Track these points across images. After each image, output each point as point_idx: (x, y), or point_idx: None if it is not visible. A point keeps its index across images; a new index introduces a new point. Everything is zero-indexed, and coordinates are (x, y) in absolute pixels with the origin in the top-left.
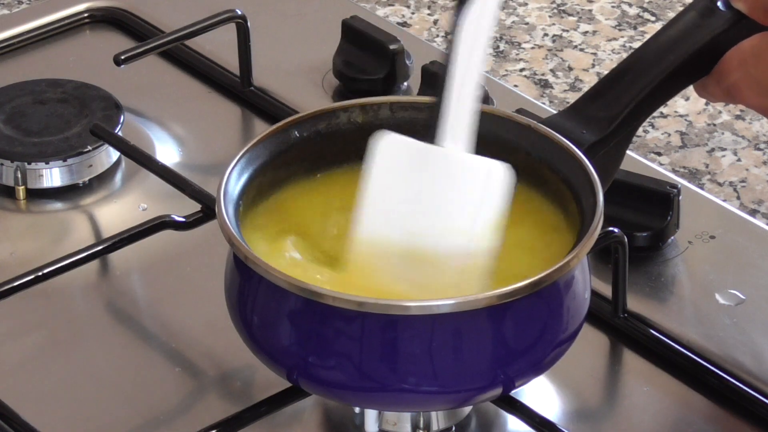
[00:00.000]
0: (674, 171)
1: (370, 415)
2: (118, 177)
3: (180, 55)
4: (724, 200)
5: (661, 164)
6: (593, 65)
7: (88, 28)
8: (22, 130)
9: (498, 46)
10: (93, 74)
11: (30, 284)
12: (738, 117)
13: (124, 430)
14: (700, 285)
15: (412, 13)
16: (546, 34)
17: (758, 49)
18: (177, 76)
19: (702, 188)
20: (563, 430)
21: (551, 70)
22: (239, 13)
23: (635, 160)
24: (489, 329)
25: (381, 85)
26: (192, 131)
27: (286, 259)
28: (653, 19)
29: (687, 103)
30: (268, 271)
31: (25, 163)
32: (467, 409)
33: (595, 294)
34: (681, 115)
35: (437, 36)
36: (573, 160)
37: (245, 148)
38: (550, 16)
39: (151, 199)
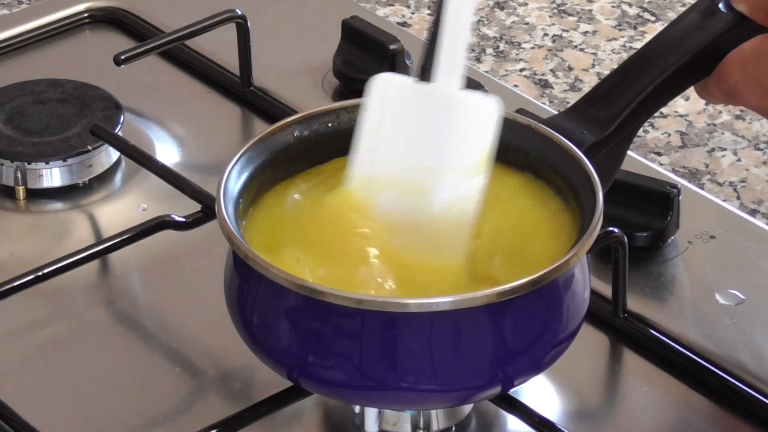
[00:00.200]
0: (674, 171)
1: (370, 415)
2: (118, 177)
3: (180, 55)
4: (724, 200)
5: (661, 164)
6: (593, 65)
7: (88, 28)
8: (22, 130)
9: (498, 46)
10: (93, 74)
11: (30, 284)
12: (738, 117)
13: (124, 430)
14: (700, 285)
15: (412, 13)
16: (546, 34)
17: (759, 50)
18: (177, 76)
19: (702, 188)
20: (563, 429)
21: (551, 70)
22: (239, 13)
23: (635, 160)
24: (488, 327)
25: None
26: (192, 131)
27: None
28: (653, 19)
29: (687, 103)
30: (268, 269)
31: (25, 163)
32: (467, 409)
33: (595, 294)
34: (681, 115)
35: None
36: (573, 160)
37: (245, 148)
38: (550, 16)
39: (151, 199)
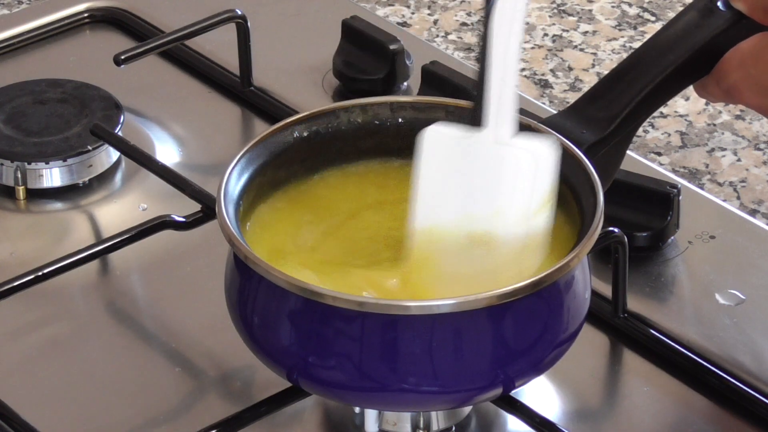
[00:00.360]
0: (674, 171)
1: (370, 415)
2: (118, 177)
3: (180, 55)
4: (724, 200)
5: (661, 164)
6: (593, 65)
7: (88, 28)
8: (22, 130)
9: None
10: (93, 74)
11: (30, 284)
12: (738, 117)
13: (124, 430)
14: (700, 285)
15: (412, 13)
16: (546, 34)
17: (758, 49)
18: (177, 76)
19: (702, 188)
20: (563, 430)
21: (551, 70)
22: (239, 13)
23: (635, 160)
24: (489, 329)
25: (381, 85)
26: (192, 131)
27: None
28: (653, 19)
29: (687, 103)
30: (269, 271)
31: (25, 163)
32: (467, 409)
33: (595, 294)
34: (681, 115)
35: (437, 36)
36: (573, 160)
37: (245, 148)
38: (550, 16)
39: (151, 199)
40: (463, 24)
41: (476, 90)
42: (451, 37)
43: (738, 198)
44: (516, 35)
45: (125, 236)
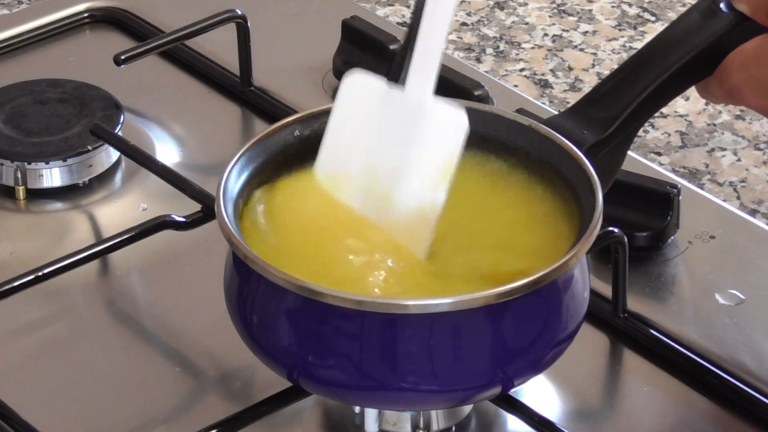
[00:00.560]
0: (674, 171)
1: (370, 415)
2: (118, 177)
3: (180, 55)
4: (724, 200)
5: (661, 164)
6: (593, 65)
7: (88, 28)
8: (22, 130)
9: (498, 46)
10: (93, 74)
11: (30, 284)
12: (738, 117)
13: (124, 430)
14: (700, 285)
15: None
16: (546, 34)
17: (760, 51)
18: (177, 76)
19: (702, 188)
20: (563, 429)
21: (551, 70)
22: (239, 13)
23: (635, 160)
24: (488, 328)
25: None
26: (192, 131)
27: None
28: (653, 19)
29: (687, 103)
30: (268, 270)
31: (25, 163)
32: (467, 409)
33: (595, 294)
34: (681, 115)
35: None
36: (573, 160)
37: (245, 148)
38: (550, 16)
39: (151, 199)
40: (463, 24)
41: (403, 46)
42: (451, 37)
43: (738, 198)
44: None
45: (125, 236)
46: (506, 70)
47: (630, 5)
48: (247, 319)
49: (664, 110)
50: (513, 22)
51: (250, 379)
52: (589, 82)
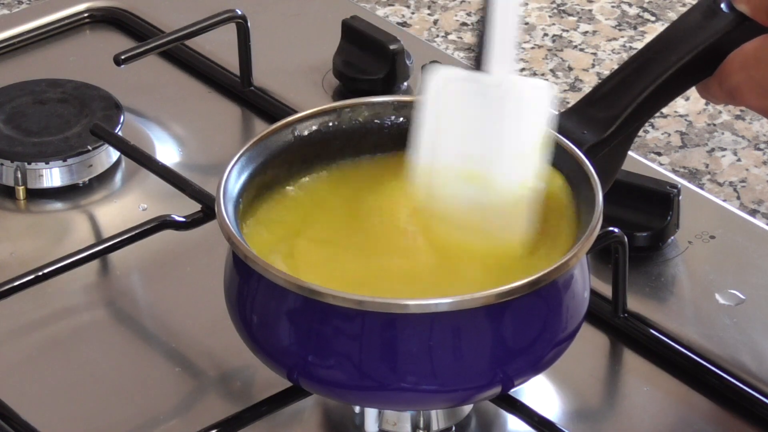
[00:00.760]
0: (674, 171)
1: (370, 415)
2: (118, 177)
3: (180, 55)
4: (724, 200)
5: (661, 164)
6: (593, 65)
7: (88, 28)
8: (22, 130)
9: None
10: (93, 74)
11: (30, 284)
12: (738, 117)
13: (124, 430)
14: (700, 285)
15: (412, 13)
16: (546, 34)
17: (760, 51)
18: (177, 76)
19: (702, 188)
20: (563, 429)
21: (551, 70)
22: (239, 13)
23: (635, 160)
24: (488, 328)
25: (381, 85)
26: (192, 131)
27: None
28: (653, 19)
29: (687, 103)
30: (268, 270)
31: (25, 163)
32: (467, 409)
33: (595, 294)
34: (681, 115)
35: (437, 36)
36: (573, 160)
37: (245, 148)
38: (550, 16)
39: (151, 199)
40: (463, 24)
41: (479, 36)
42: (451, 37)
43: (738, 198)
44: None
45: (125, 236)
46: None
47: (630, 5)
48: (247, 319)
49: (664, 110)
50: None
51: (250, 379)
52: (589, 82)
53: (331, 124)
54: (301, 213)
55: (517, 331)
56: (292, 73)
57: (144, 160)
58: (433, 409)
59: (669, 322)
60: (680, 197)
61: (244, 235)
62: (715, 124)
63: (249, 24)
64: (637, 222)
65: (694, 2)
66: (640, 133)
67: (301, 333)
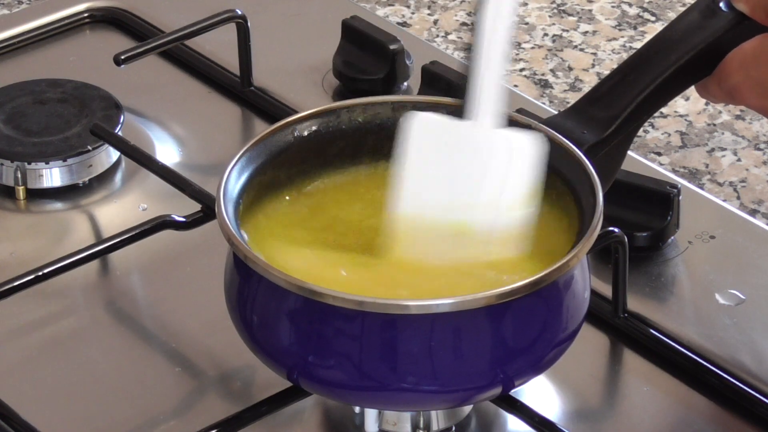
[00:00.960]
0: (674, 171)
1: (370, 415)
2: (118, 177)
3: (180, 55)
4: (724, 200)
5: (661, 164)
6: (593, 65)
7: (88, 28)
8: (22, 130)
9: None
10: (93, 74)
11: (30, 284)
12: (738, 117)
13: (124, 430)
14: (700, 285)
15: (412, 13)
16: (546, 34)
17: (759, 50)
18: (177, 76)
19: (702, 188)
20: (563, 429)
21: (551, 70)
22: (239, 13)
23: (635, 160)
24: (488, 328)
25: (381, 85)
26: (192, 131)
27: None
28: (653, 19)
29: (687, 103)
30: (268, 270)
31: (25, 163)
32: (467, 409)
33: (595, 294)
34: (681, 115)
35: (437, 36)
36: (573, 160)
37: (245, 148)
38: (550, 16)
39: (151, 199)
40: (463, 24)
41: (466, 82)
42: (451, 37)
43: (738, 198)
44: (502, 31)
45: (125, 236)
46: (506, 70)
47: (630, 5)
48: (248, 320)
49: (664, 110)
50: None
51: (250, 379)
52: (589, 82)
53: (330, 124)
54: (301, 213)
55: (517, 331)
56: (292, 73)
57: (144, 160)
58: (433, 409)
59: (669, 322)
60: (680, 197)
61: (244, 235)
62: (715, 124)
63: (249, 24)
64: (637, 222)
65: (693, 2)
66: (640, 133)
67: (301, 333)
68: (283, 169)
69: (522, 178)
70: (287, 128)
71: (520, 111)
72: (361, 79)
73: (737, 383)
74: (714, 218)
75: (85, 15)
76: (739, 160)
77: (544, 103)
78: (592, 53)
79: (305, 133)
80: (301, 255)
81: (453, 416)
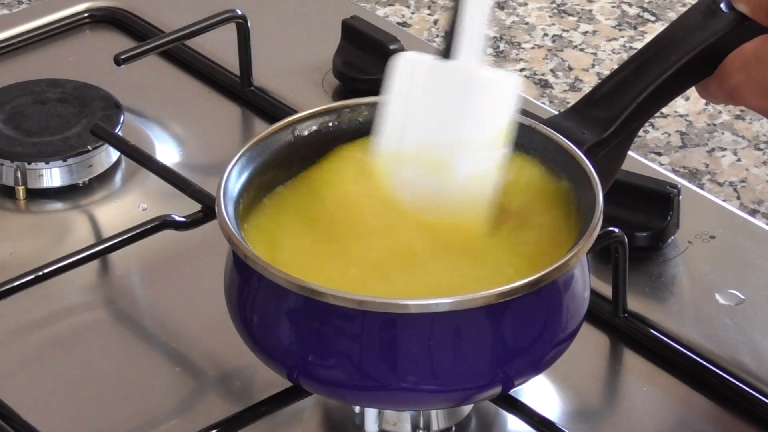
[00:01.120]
0: (674, 171)
1: (370, 415)
2: (118, 177)
3: (180, 55)
4: (724, 200)
5: (661, 164)
6: (593, 65)
7: (88, 28)
8: (22, 130)
9: (498, 46)
10: (93, 74)
11: (30, 284)
12: (738, 117)
13: (124, 430)
14: (700, 285)
15: (412, 13)
16: (546, 34)
17: (760, 51)
18: (177, 76)
19: (702, 188)
20: (563, 429)
21: (551, 70)
22: (239, 13)
23: (635, 160)
24: (488, 328)
25: (381, 85)
26: (192, 131)
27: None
28: (653, 19)
29: (687, 103)
30: (268, 269)
31: (25, 163)
32: (467, 409)
33: (595, 294)
34: (681, 115)
35: (437, 36)
36: (573, 160)
37: (245, 148)
38: (550, 16)
39: (151, 199)
40: None
41: (450, 23)
42: None
43: (738, 198)
44: None
45: (125, 236)
46: (506, 70)
47: (630, 5)
48: (248, 319)
49: (664, 110)
50: (513, 22)
51: (250, 379)
52: (589, 82)
53: (331, 124)
54: (302, 213)
55: (517, 331)
56: (292, 73)
57: (144, 160)
58: (433, 409)
59: (669, 322)
60: (680, 197)
61: (244, 235)
62: (715, 124)
63: (249, 24)
64: (637, 222)
65: (694, 2)
66: (640, 133)
67: (301, 333)
68: (283, 169)
69: (503, 116)
70: (287, 128)
71: (520, 111)
72: (361, 79)
73: (737, 383)
74: (714, 218)
75: (85, 15)
76: (739, 160)
77: (544, 103)
78: (592, 53)
79: (305, 133)
80: (302, 254)
81: (453, 416)
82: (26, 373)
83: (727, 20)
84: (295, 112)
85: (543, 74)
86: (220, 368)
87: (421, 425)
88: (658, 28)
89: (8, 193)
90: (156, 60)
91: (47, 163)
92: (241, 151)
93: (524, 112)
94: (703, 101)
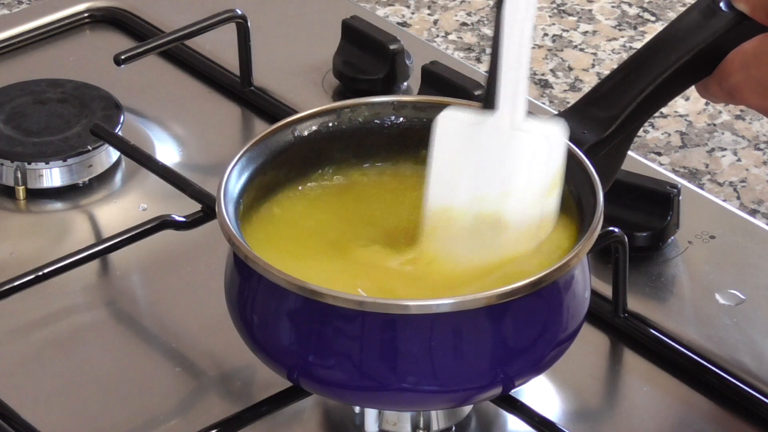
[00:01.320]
0: (674, 171)
1: (370, 415)
2: (118, 177)
3: (180, 55)
4: (724, 200)
5: (661, 164)
6: (593, 65)
7: (88, 28)
8: (22, 130)
9: None
10: (93, 74)
11: (30, 284)
12: (738, 117)
13: (124, 430)
14: (700, 285)
15: (412, 13)
16: (546, 34)
17: (760, 50)
18: (177, 76)
19: (702, 188)
20: (563, 429)
21: (551, 70)
22: (239, 13)
23: (635, 160)
24: (488, 328)
25: (381, 85)
26: (192, 131)
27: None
28: (653, 19)
29: (687, 103)
30: (268, 270)
31: (25, 163)
32: (467, 409)
33: (595, 294)
34: (681, 115)
35: (437, 36)
36: (573, 160)
37: (245, 148)
38: (550, 16)
39: (151, 199)
40: (463, 24)
41: (489, 74)
42: (451, 37)
43: (738, 198)
44: (529, 21)
45: (125, 236)
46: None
47: (630, 5)
48: (248, 319)
49: (664, 110)
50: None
51: (250, 379)
52: (589, 82)
53: (331, 124)
54: (301, 213)
55: (517, 331)
56: (292, 73)
57: (144, 160)
58: (433, 409)
59: (669, 322)
60: (680, 197)
61: (244, 235)
62: (715, 124)
63: (249, 24)
64: (637, 222)
65: (693, 1)
66: (640, 133)
67: (301, 333)
68: (283, 169)
69: (552, 166)
70: (287, 128)
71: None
72: (361, 79)
73: (737, 383)
74: (714, 218)
75: (85, 15)
76: (739, 160)
77: (544, 103)
78: (592, 53)
79: (305, 133)
80: (302, 255)
81: (453, 416)
82: (26, 373)
83: (726, 19)
84: (295, 112)
85: (543, 74)
86: (220, 368)
87: (421, 425)
88: (658, 28)
89: (8, 193)
90: (156, 60)
91: (47, 163)
92: (242, 151)
93: None
94: (703, 101)
